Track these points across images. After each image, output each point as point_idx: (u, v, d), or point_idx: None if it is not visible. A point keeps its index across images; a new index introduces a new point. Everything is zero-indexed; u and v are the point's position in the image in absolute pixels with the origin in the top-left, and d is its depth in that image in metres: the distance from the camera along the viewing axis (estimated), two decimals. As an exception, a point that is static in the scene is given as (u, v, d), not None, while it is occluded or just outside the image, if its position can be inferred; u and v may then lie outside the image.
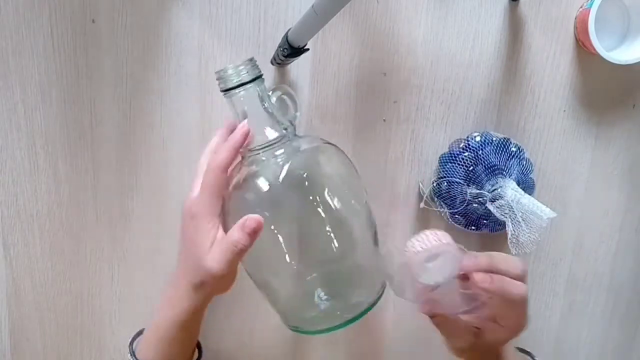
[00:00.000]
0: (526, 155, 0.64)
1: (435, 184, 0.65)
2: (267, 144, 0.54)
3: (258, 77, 0.54)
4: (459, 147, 0.64)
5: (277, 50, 0.59)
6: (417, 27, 0.64)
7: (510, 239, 0.60)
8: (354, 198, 0.56)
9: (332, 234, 0.53)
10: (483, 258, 0.50)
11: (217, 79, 0.54)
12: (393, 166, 0.67)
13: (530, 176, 0.64)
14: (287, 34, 0.56)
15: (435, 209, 0.65)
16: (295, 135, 0.56)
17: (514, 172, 0.62)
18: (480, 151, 0.62)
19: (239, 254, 0.51)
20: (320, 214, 0.53)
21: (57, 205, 0.64)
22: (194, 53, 0.62)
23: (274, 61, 0.62)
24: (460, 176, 0.63)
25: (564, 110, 0.68)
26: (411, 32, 0.64)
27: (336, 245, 0.53)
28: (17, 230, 0.64)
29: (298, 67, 0.64)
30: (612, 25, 0.65)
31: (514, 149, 0.63)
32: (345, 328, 0.53)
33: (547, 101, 0.67)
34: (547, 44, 0.66)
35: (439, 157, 0.66)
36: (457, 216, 0.64)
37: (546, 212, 0.58)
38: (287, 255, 0.53)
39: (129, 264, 0.67)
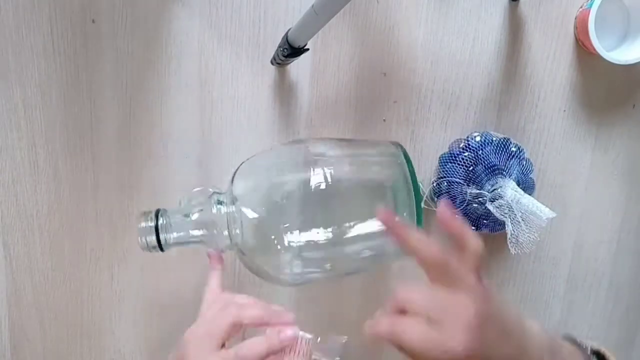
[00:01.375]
0: (526, 155, 0.64)
1: (435, 184, 0.65)
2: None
3: (159, 211, 0.53)
4: (459, 147, 0.64)
5: (277, 50, 0.59)
6: (417, 27, 0.64)
7: (509, 239, 0.60)
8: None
9: None
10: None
11: (142, 246, 0.53)
12: (393, 166, 0.67)
13: (530, 176, 0.64)
14: (287, 34, 0.56)
15: (435, 209, 0.65)
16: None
17: (514, 172, 0.62)
18: (480, 151, 0.62)
19: None
20: None
21: (57, 205, 0.64)
22: (194, 53, 0.62)
23: (274, 61, 0.62)
24: (460, 176, 0.63)
25: (564, 110, 0.68)
26: (411, 32, 0.64)
27: None
28: (17, 230, 0.64)
29: (298, 67, 0.64)
30: (612, 25, 0.65)
31: (514, 149, 0.63)
32: None
33: (547, 101, 0.67)
34: (547, 44, 0.66)
35: (439, 157, 0.66)
36: (457, 216, 0.64)
37: (545, 212, 0.58)
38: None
39: (129, 264, 0.67)
